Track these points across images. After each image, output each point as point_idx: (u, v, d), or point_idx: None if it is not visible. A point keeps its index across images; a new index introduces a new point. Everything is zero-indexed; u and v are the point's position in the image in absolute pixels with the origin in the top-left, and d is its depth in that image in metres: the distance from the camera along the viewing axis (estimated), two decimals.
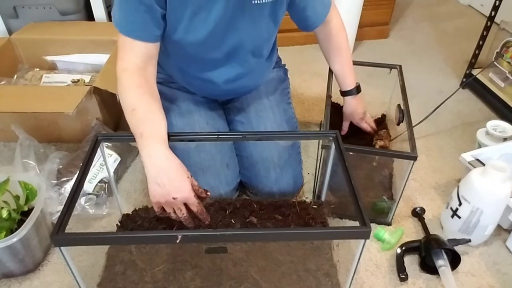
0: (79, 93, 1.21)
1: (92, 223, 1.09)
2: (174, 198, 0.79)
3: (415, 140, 0.99)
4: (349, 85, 1.17)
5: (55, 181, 1.11)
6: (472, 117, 1.55)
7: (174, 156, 0.82)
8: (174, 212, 0.83)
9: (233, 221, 0.96)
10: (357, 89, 1.18)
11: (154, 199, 0.81)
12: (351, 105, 1.19)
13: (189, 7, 0.88)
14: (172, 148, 1.09)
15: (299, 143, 1.20)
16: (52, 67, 1.56)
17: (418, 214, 1.13)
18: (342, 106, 1.23)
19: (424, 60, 1.91)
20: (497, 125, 1.23)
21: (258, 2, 0.91)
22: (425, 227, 1.09)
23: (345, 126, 1.25)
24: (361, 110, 1.21)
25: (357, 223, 0.70)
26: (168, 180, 0.79)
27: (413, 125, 1.07)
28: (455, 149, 1.36)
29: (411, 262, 1.02)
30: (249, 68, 1.06)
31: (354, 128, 1.26)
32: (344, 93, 1.19)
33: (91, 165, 0.83)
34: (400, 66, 1.26)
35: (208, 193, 0.85)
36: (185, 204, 0.82)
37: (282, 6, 0.97)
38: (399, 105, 1.18)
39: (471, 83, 1.65)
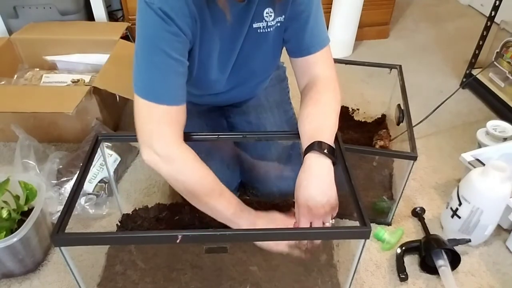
0: (79, 93, 1.21)
1: (92, 223, 1.09)
2: None
3: (415, 140, 0.99)
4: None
5: (55, 181, 1.11)
6: (472, 117, 1.55)
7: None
8: None
9: None
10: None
11: None
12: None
13: (214, 51, 0.85)
14: None
15: (299, 143, 1.20)
16: (52, 67, 1.55)
17: (418, 214, 1.13)
18: (342, 106, 1.20)
19: (424, 60, 1.91)
20: (497, 125, 1.23)
21: (264, 31, 0.86)
22: (425, 227, 1.09)
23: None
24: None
25: (357, 223, 0.70)
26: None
27: (413, 125, 1.07)
28: (455, 149, 1.36)
29: (411, 262, 1.02)
30: (249, 84, 1.04)
31: (354, 127, 1.26)
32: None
33: (91, 165, 0.83)
34: (400, 66, 1.26)
35: None
36: None
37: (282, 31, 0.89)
38: (399, 105, 1.18)
39: (471, 83, 1.65)
